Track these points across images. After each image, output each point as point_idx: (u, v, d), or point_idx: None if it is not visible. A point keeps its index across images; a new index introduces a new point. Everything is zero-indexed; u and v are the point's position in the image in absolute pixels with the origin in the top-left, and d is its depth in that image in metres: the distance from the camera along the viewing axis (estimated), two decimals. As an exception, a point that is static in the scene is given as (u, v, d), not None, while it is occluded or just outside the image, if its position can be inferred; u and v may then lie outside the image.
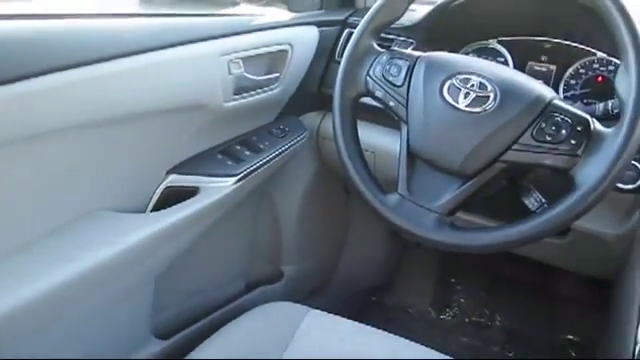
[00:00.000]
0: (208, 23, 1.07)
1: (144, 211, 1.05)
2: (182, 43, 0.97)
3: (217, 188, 1.08)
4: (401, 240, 1.74)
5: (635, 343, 0.97)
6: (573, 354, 1.62)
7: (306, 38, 1.24)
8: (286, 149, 1.22)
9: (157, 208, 1.04)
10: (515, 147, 0.79)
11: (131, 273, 0.97)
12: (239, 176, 1.11)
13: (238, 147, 1.17)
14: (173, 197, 1.06)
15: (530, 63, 1.16)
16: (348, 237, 1.67)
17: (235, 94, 1.09)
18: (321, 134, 1.34)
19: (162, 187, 1.06)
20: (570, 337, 1.66)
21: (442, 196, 0.84)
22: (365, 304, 1.81)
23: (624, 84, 0.75)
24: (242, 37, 1.09)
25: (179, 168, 1.08)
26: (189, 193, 1.06)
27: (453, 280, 1.85)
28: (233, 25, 1.10)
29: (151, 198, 1.06)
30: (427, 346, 0.95)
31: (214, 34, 1.04)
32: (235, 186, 1.10)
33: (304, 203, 1.43)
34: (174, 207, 1.02)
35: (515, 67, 1.16)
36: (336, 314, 1.02)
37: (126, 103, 0.90)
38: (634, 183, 0.95)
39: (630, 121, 0.73)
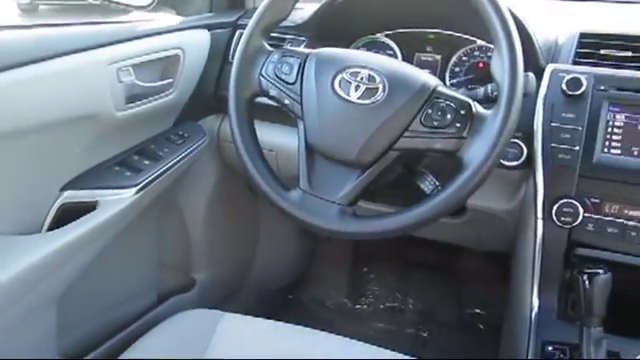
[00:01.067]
0: (93, 32, 1.04)
1: (39, 231, 1.00)
2: (67, 53, 0.94)
3: (117, 201, 1.05)
4: (312, 235, 1.76)
5: (531, 309, 1.04)
6: (481, 327, 1.71)
7: (197, 41, 1.22)
8: (186, 155, 1.20)
9: (54, 227, 1.00)
10: (406, 134, 0.83)
11: (29, 296, 0.92)
12: (139, 186, 1.08)
13: (136, 157, 1.14)
14: (71, 214, 1.02)
15: (417, 54, 1.21)
16: (259, 237, 1.68)
17: (128, 102, 1.06)
18: (221, 137, 1.33)
19: (57, 204, 1.02)
20: (477, 311, 1.75)
21: (342, 187, 0.86)
22: (282, 302, 1.82)
23: (498, 68, 0.81)
24: (130, 44, 1.07)
25: (74, 183, 1.04)
26: (87, 208, 1.03)
27: (365, 269, 1.90)
28: (120, 32, 1.07)
29: (46, 217, 1.01)
30: (344, 336, 0.97)
31: (100, 42, 1.01)
32: (136, 197, 1.07)
33: (210, 208, 1.41)
34: (71, 224, 0.98)
35: (404, 59, 1.21)
36: (254, 316, 1.02)
37: (11, 118, 0.86)
38: (518, 160, 1.02)
39: (506, 102, 0.79)
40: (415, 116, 0.83)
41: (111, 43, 1.03)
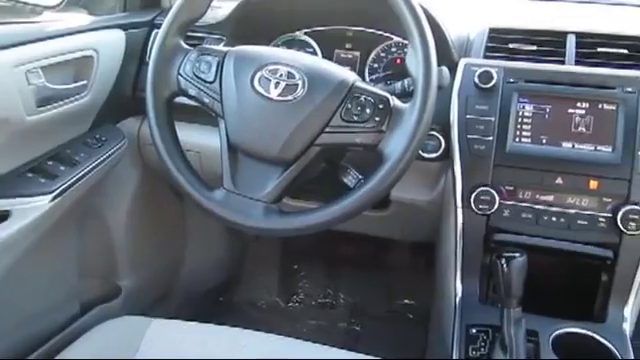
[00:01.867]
0: (-1, 32, 0.99)
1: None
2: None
3: (31, 209, 1.01)
4: (241, 235, 1.75)
5: (455, 295, 1.08)
6: (410, 316, 1.76)
7: (112, 42, 1.19)
8: (105, 159, 1.16)
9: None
10: (327, 130, 0.84)
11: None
12: (55, 193, 1.04)
13: (50, 162, 1.09)
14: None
15: (337, 51, 1.23)
16: (187, 240, 1.65)
17: (39, 106, 1.02)
18: (141, 140, 1.30)
19: (-35, 215, 0.96)
20: (406, 301, 1.80)
21: (267, 185, 0.86)
22: (213, 305, 1.79)
23: (413, 63, 0.83)
24: (39, 45, 1.02)
25: None
26: (-1, 218, 0.98)
27: (296, 267, 1.91)
28: (28, 33, 1.02)
29: (-47, 230, 0.95)
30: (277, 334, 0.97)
31: (6, 43, 0.96)
32: (52, 204, 1.03)
33: (133, 213, 1.37)
34: (-19, 236, 0.93)
35: (323, 56, 1.22)
36: (185, 319, 1.00)
37: None
38: (437, 152, 1.05)
39: (422, 96, 0.81)
40: (335, 111, 0.84)
41: (18, 44, 0.98)
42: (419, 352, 1.41)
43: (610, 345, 0.95)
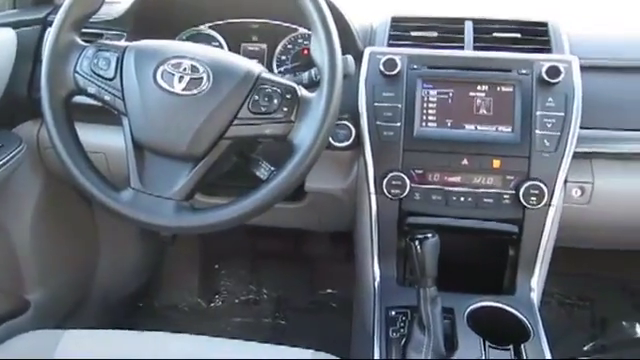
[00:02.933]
0: None
1: None
2: None
3: None
4: (156, 237, 1.70)
5: (374, 279, 1.10)
6: (334, 305, 1.78)
7: (1, 41, 1.11)
8: (1, 166, 1.09)
9: None
10: (236, 122, 0.83)
11: None
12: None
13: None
14: None
15: (243, 45, 1.21)
16: (99, 245, 1.58)
17: None
18: (41, 144, 1.23)
19: None
20: (329, 291, 1.81)
21: (176, 182, 0.84)
22: (132, 311, 1.74)
23: (318, 53, 0.84)
24: None
25: None
26: None
27: (217, 266, 1.88)
28: None
29: None
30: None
31: None
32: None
33: (38, 222, 1.30)
34: None
35: (230, 50, 1.20)
36: (104, 328, 0.96)
37: None
38: (348, 140, 1.06)
39: (328, 84, 0.82)
40: (242, 103, 0.83)
41: None
42: (344, 339, 1.43)
43: (520, 315, 1.00)
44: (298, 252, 1.86)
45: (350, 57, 0.90)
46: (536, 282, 1.07)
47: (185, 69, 0.84)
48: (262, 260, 1.89)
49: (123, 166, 0.88)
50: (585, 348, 1.66)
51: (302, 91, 0.85)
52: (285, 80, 0.85)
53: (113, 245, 1.59)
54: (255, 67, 0.86)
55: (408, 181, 1.02)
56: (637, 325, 1.68)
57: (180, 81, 0.84)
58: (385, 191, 1.02)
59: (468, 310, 1.00)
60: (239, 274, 1.87)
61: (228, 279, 1.86)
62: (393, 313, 1.01)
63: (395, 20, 1.14)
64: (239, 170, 0.95)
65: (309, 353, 0.93)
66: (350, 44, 1.08)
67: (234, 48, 1.20)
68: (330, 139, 1.04)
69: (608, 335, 1.69)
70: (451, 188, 1.03)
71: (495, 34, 1.11)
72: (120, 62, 0.87)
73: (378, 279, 1.09)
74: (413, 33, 1.12)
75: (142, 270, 1.74)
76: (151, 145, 0.85)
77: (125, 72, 0.86)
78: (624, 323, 1.69)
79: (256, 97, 0.83)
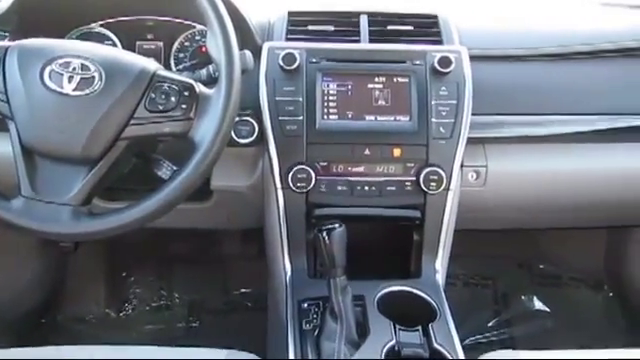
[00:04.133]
0: None
1: None
2: None
3: None
4: (56, 247, 1.62)
5: (285, 274, 1.11)
6: (249, 304, 1.77)
7: None
8: None
9: None
10: (133, 122, 0.81)
11: None
12: None
13: None
14: None
15: (138, 43, 1.18)
16: None
17: None
18: None
19: None
20: (244, 290, 1.80)
21: (72, 187, 0.81)
22: (35, 327, 1.64)
23: (214, 48, 0.83)
24: None
25: None
26: None
27: (124, 274, 1.81)
28: None
29: None
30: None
31: None
32: None
33: None
34: None
35: (124, 48, 1.16)
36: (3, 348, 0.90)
37: None
38: (251, 136, 1.06)
39: (226, 80, 0.81)
40: (139, 102, 0.81)
41: None
42: (261, 337, 1.42)
43: (426, 296, 1.04)
44: (209, 253, 1.83)
45: (248, 52, 0.90)
46: (440, 264, 1.12)
47: (75, 68, 0.81)
48: (172, 264, 1.84)
49: (11, 172, 0.83)
50: (490, 324, 1.75)
51: (200, 87, 0.83)
52: (182, 77, 0.84)
53: (8, 259, 1.49)
54: (150, 64, 0.84)
55: (313, 174, 1.03)
56: (534, 298, 1.80)
57: (70, 81, 0.80)
58: (291, 185, 1.03)
59: (378, 296, 1.02)
60: (148, 280, 1.81)
61: (137, 286, 1.80)
62: (305, 305, 1.02)
63: (292, 15, 1.15)
64: (140, 171, 0.92)
65: (224, 353, 0.92)
66: (248, 39, 1.07)
67: (128, 46, 1.16)
68: (233, 136, 1.04)
69: (510, 310, 1.80)
70: (355, 178, 1.06)
71: (389, 27, 1.14)
72: (2, 63, 0.82)
73: (289, 273, 1.10)
74: (310, 27, 1.13)
75: (43, 283, 1.64)
76: (42, 149, 0.81)
77: (8, 73, 0.81)
78: (523, 297, 1.81)
79: (153, 95, 0.81)
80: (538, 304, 1.79)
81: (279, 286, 1.12)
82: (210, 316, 1.74)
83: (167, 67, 1.13)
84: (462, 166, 1.10)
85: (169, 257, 1.84)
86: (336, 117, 1.05)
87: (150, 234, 1.63)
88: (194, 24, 1.17)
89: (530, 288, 1.83)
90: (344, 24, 1.14)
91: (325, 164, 1.05)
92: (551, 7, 1.41)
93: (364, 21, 1.14)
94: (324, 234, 0.92)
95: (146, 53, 1.16)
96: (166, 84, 0.82)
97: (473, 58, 1.10)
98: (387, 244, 1.18)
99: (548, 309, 1.78)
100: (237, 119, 1.02)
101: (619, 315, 1.78)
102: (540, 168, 1.20)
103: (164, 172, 0.89)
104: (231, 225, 1.45)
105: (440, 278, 1.11)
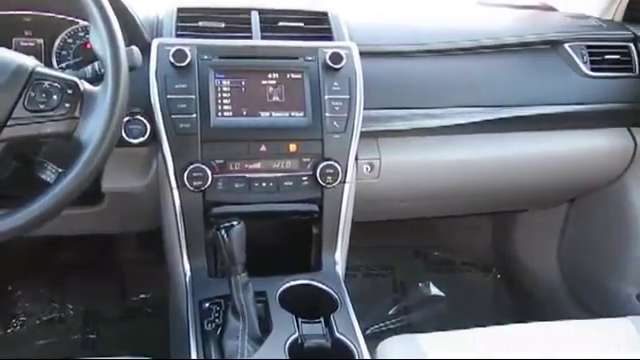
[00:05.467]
0: None
1: None
2: None
3: None
4: None
5: (184, 275, 1.09)
6: (149, 310, 1.71)
7: None
8: None
9: None
10: (10, 123, 0.76)
11: None
12: None
13: None
14: None
15: (15, 39, 1.10)
16: None
17: None
18: None
19: None
20: (143, 296, 1.74)
21: None
22: None
23: (99, 44, 0.80)
24: None
25: None
26: None
27: (11, 288, 1.70)
28: None
29: None
30: None
31: None
32: None
33: None
34: None
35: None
36: None
37: None
38: (143, 136, 1.03)
39: (112, 76, 0.78)
40: (16, 101, 0.76)
41: None
42: (163, 343, 1.38)
43: (327, 288, 1.06)
44: (104, 259, 1.76)
45: (135, 48, 0.87)
46: (340, 256, 1.14)
47: None
48: (64, 274, 1.74)
49: None
50: (390, 312, 1.82)
51: (85, 85, 0.80)
52: (64, 74, 0.80)
53: None
54: (28, 61, 0.79)
55: (209, 172, 1.02)
56: (430, 284, 1.88)
57: None
58: (187, 184, 1.01)
59: (279, 291, 1.03)
60: (39, 293, 1.70)
61: (26, 300, 1.68)
62: (207, 305, 1.01)
63: (181, 11, 1.12)
64: (21, 176, 0.86)
65: None
66: (135, 35, 1.04)
67: (4, 43, 1.07)
68: (124, 135, 1.00)
69: (408, 297, 1.87)
70: (252, 175, 1.05)
71: (280, 23, 1.15)
72: None
73: (189, 274, 1.08)
74: (201, 23, 1.11)
75: None
76: None
77: None
78: (420, 284, 1.89)
79: (32, 94, 0.76)
80: (434, 290, 1.88)
81: (179, 288, 1.10)
82: (108, 326, 1.67)
83: (48, 65, 1.07)
84: (357, 159, 1.13)
85: (61, 266, 1.74)
86: (230, 114, 1.04)
87: (38, 243, 1.54)
88: (77, 20, 1.12)
89: (426, 275, 1.92)
90: (235, 21, 1.13)
91: (221, 162, 1.04)
92: (434, 6, 1.48)
93: (255, 17, 1.14)
94: (223, 232, 0.91)
95: (25, 50, 1.08)
96: (47, 82, 0.77)
97: (363, 54, 1.13)
98: (287, 239, 1.18)
99: (443, 294, 1.87)
100: (127, 118, 0.99)
101: (507, 295, 1.91)
102: (430, 159, 1.25)
103: (48, 175, 0.84)
104: (126, 228, 1.40)
105: (340, 269, 1.14)
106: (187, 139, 1.02)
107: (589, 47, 1.31)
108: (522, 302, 1.84)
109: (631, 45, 1.34)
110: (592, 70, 1.30)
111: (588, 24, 1.40)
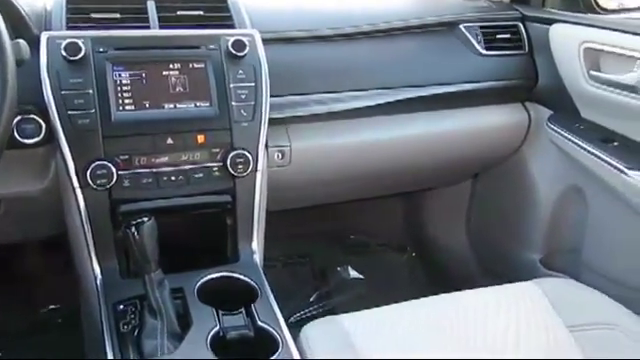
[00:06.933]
0: None
1: None
2: None
3: None
4: None
5: (95, 278, 1.04)
6: (60, 321, 1.62)
7: None
8: None
9: None
10: None
11: None
12: None
13: None
14: None
15: None
16: None
17: None
18: None
19: None
20: (53, 306, 1.65)
21: None
22: None
23: None
24: None
25: None
26: None
27: None
28: None
29: None
30: None
31: None
32: None
33: None
34: None
35: None
36: None
37: None
38: (38, 136, 0.97)
39: None
40: None
41: None
42: (77, 355, 1.32)
43: (246, 278, 1.05)
44: (6, 271, 1.64)
45: (22, 41, 0.82)
46: (256, 245, 1.13)
47: None
48: None
49: None
50: (311, 299, 1.83)
51: None
52: None
53: None
54: None
55: (114, 169, 0.97)
56: (349, 268, 1.92)
57: None
58: (90, 183, 0.96)
59: (197, 285, 1.01)
60: None
61: None
62: (121, 307, 0.97)
63: (70, 2, 1.06)
64: None
65: None
66: (21, 28, 0.98)
67: None
68: (16, 136, 0.94)
69: (328, 282, 1.89)
70: (160, 169, 1.02)
71: (179, 12, 1.12)
72: None
73: (100, 277, 1.03)
74: (93, 15, 1.06)
75: None
76: None
77: None
78: (339, 269, 1.91)
79: None
80: (353, 273, 1.92)
81: (90, 293, 1.05)
82: (14, 341, 1.56)
83: None
84: (267, 147, 1.12)
85: None
86: (132, 108, 1.00)
87: None
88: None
89: (344, 259, 1.94)
90: (130, 11, 1.09)
91: (126, 157, 1.00)
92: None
93: (152, 7, 1.10)
94: (133, 229, 0.88)
95: None
96: None
97: (266, 41, 1.12)
98: (202, 233, 1.16)
99: (362, 276, 1.91)
100: (18, 117, 0.93)
101: (422, 272, 1.98)
102: (338, 143, 1.27)
103: None
104: (28, 236, 1.32)
105: (258, 259, 1.13)
106: (87, 136, 0.97)
107: (482, 27, 1.38)
108: (437, 277, 1.91)
109: (520, 24, 1.41)
110: (486, 49, 1.36)
111: (480, 5, 1.47)
